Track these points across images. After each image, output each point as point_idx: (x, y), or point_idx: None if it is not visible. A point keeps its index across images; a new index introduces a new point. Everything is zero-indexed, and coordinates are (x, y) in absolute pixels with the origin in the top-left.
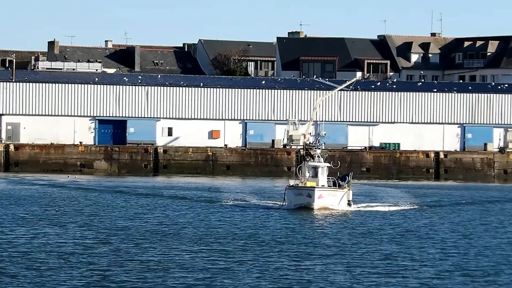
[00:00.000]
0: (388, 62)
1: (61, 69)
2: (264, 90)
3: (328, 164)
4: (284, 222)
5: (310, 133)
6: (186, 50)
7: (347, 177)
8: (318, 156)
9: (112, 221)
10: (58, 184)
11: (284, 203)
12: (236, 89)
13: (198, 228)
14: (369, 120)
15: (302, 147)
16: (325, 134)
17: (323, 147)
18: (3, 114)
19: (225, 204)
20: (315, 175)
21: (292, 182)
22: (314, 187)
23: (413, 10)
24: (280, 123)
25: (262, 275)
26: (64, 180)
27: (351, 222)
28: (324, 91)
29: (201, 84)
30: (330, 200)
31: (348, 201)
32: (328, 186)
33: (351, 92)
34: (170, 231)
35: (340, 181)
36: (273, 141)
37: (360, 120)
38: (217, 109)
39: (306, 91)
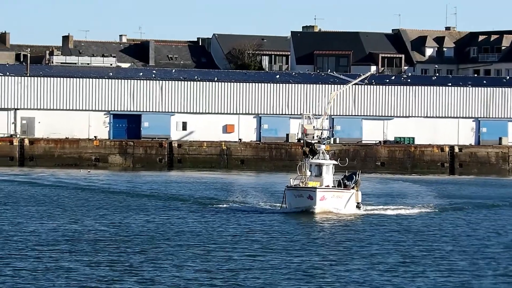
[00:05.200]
0: (403, 56)
1: (75, 63)
2: (278, 84)
3: (334, 162)
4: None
5: (314, 127)
6: (200, 44)
7: (354, 176)
8: (323, 153)
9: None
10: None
11: (284, 205)
12: (250, 84)
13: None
14: (383, 114)
15: (316, 141)
16: (330, 128)
17: (336, 142)
18: (17, 109)
19: (219, 206)
20: (319, 174)
21: (292, 181)
22: (316, 188)
23: (428, 4)
24: (295, 117)
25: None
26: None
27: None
28: (339, 85)
29: (216, 79)
30: (335, 202)
31: (357, 203)
32: (332, 186)
33: (366, 86)
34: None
35: (346, 181)
36: (287, 135)
37: (374, 114)
38: (232, 104)
39: (320, 85)
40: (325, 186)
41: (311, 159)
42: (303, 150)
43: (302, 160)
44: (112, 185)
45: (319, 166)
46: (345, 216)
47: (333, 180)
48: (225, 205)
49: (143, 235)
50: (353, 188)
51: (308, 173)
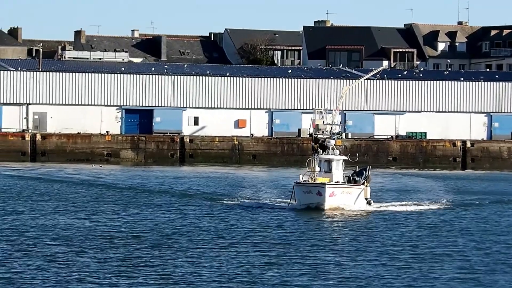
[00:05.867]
0: (415, 51)
1: (87, 58)
2: (290, 79)
3: (344, 157)
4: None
5: (324, 122)
6: (212, 39)
7: (364, 172)
8: (333, 148)
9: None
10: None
11: (292, 202)
12: (262, 79)
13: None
14: (395, 109)
15: (327, 136)
16: (341, 123)
17: (348, 137)
18: (30, 104)
19: (229, 202)
20: (328, 170)
21: (302, 177)
22: (325, 184)
23: None
24: (306, 112)
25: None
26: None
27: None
28: (351, 80)
29: (227, 74)
30: (344, 198)
31: (367, 199)
32: (342, 182)
33: (378, 81)
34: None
35: (356, 177)
36: (299, 130)
37: (386, 109)
38: (243, 99)
39: (332, 80)
40: (335, 182)
41: (321, 154)
42: (312, 146)
43: (312, 155)
44: (124, 180)
45: (329, 161)
46: (354, 212)
47: (343, 176)
48: (234, 201)
49: (154, 231)
50: (363, 184)
51: (317, 168)
